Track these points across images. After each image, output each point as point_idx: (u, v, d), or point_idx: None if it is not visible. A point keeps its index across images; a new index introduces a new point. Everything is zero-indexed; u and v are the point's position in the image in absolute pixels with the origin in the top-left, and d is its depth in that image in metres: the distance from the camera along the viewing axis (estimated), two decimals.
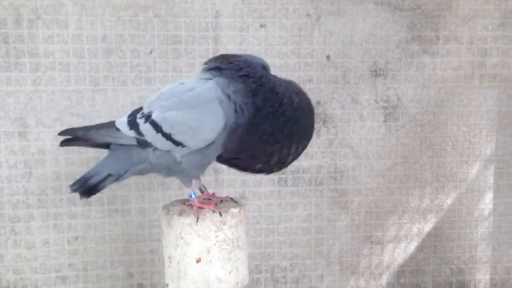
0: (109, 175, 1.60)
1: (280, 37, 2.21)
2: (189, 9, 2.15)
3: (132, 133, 1.56)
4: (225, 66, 1.52)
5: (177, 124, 1.49)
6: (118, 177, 1.60)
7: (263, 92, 1.48)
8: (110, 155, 1.65)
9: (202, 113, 1.46)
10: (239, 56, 1.56)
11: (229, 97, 1.47)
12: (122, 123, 1.59)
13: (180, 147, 1.50)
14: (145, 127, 1.53)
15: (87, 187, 1.60)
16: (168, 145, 1.51)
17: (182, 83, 1.55)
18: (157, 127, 1.51)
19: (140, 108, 1.59)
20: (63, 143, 1.68)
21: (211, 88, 1.48)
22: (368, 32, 2.26)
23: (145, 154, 1.57)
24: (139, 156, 1.59)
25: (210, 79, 1.52)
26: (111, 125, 1.62)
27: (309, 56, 2.23)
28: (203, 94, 1.48)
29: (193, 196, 1.56)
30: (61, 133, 1.67)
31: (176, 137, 1.49)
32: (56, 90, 2.10)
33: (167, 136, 1.50)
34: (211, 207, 1.53)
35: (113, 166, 1.61)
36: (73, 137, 1.66)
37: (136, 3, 2.12)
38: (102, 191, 1.65)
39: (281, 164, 1.58)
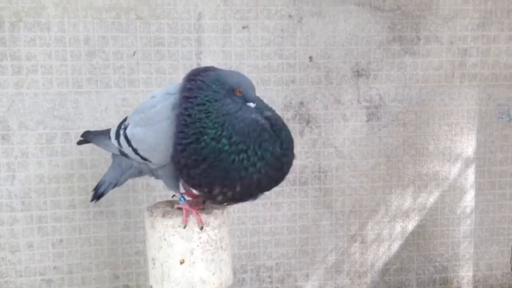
0: (110, 183, 1.76)
1: (262, 38, 2.22)
2: (172, 10, 2.15)
3: (116, 143, 1.62)
4: (186, 83, 1.42)
5: (141, 141, 1.50)
6: (116, 183, 1.75)
7: (186, 123, 1.36)
8: (111, 165, 1.79)
9: (157, 132, 1.43)
10: (211, 70, 1.44)
11: (175, 117, 1.39)
12: (112, 132, 1.66)
13: (148, 161, 1.52)
14: (122, 139, 1.57)
15: (97, 195, 1.82)
16: (138, 158, 1.54)
17: (153, 97, 1.52)
18: (128, 141, 1.54)
19: (126, 118, 1.64)
20: (79, 143, 1.89)
21: (167, 107, 1.42)
22: (349, 33, 2.28)
23: (130, 160, 1.62)
24: (126, 162, 1.66)
25: (173, 94, 1.44)
26: (107, 132, 1.70)
27: (292, 57, 2.25)
28: (161, 111, 1.43)
29: (182, 199, 1.55)
30: (81, 135, 1.86)
31: (141, 153, 1.51)
32: (39, 93, 2.10)
33: (136, 152, 1.53)
34: (198, 217, 1.51)
35: (111, 174, 1.76)
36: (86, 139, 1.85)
37: (118, 5, 2.12)
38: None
39: (213, 200, 1.43)
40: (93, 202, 1.87)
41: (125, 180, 1.74)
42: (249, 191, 1.39)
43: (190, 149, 1.34)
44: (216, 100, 1.37)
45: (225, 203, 1.46)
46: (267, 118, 1.38)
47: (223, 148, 1.33)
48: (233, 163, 1.33)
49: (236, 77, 1.44)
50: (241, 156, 1.33)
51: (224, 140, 1.33)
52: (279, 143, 1.37)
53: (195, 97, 1.37)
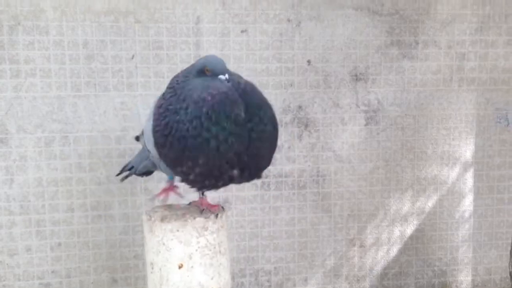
0: (132, 166, 1.81)
1: (261, 42, 2.22)
2: (170, 14, 2.15)
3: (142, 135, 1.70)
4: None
5: (145, 133, 1.56)
6: (136, 169, 1.80)
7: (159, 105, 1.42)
8: (138, 151, 1.86)
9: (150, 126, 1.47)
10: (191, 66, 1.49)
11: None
12: None
13: (150, 153, 1.56)
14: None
15: (122, 172, 1.85)
16: (147, 149, 1.59)
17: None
18: (143, 133, 1.62)
19: None
20: (137, 139, 1.90)
21: None
22: (348, 37, 2.28)
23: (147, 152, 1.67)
24: (145, 152, 1.70)
25: None
26: None
27: (290, 61, 2.25)
28: None
29: (168, 179, 1.66)
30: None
31: (146, 144, 1.56)
32: (37, 96, 2.10)
33: (145, 143, 1.58)
34: (171, 191, 1.63)
35: (135, 159, 1.83)
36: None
37: (117, 8, 2.12)
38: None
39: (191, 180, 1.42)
40: (119, 178, 1.88)
41: (142, 169, 1.78)
42: (213, 162, 1.33)
43: (159, 126, 1.38)
44: (183, 82, 1.41)
45: (195, 185, 1.45)
46: (235, 85, 1.36)
47: (180, 119, 1.33)
48: (187, 131, 1.31)
49: (203, 59, 1.46)
50: (194, 123, 1.31)
51: (181, 111, 1.34)
52: (243, 107, 1.33)
53: (170, 83, 1.45)
